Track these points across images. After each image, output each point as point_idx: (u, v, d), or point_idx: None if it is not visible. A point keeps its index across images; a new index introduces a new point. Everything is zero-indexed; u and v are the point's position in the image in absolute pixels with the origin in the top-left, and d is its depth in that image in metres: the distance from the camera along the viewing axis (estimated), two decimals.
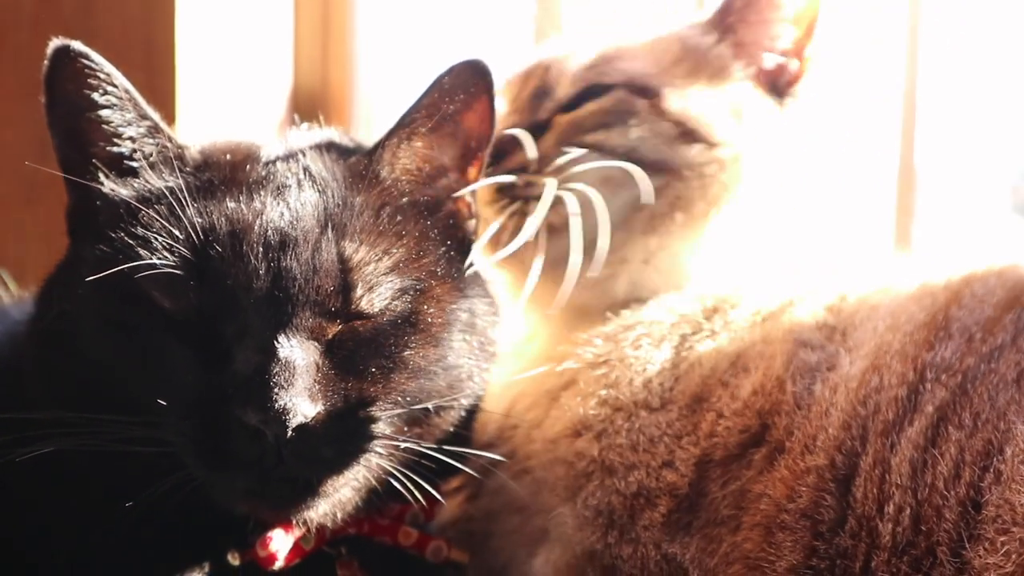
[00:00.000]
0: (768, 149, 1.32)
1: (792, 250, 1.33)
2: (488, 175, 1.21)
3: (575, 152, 1.24)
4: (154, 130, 1.07)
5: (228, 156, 1.08)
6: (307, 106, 1.70)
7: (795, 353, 1.11)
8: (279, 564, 1.04)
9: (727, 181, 1.28)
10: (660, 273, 1.28)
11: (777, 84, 1.35)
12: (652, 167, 1.25)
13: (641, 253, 1.28)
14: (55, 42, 1.04)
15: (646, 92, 1.30)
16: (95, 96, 1.04)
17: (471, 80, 1.09)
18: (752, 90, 1.34)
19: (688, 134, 1.29)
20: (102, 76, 1.04)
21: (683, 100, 1.30)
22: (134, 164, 1.06)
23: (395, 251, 1.05)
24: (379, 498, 1.07)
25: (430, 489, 1.05)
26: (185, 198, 1.01)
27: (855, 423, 1.02)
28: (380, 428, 1.01)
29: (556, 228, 1.21)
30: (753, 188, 1.30)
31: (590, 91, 1.32)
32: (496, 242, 1.22)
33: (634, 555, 1.08)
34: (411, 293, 1.05)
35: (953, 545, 0.91)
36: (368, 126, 1.92)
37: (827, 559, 0.97)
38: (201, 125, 1.50)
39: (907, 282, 1.18)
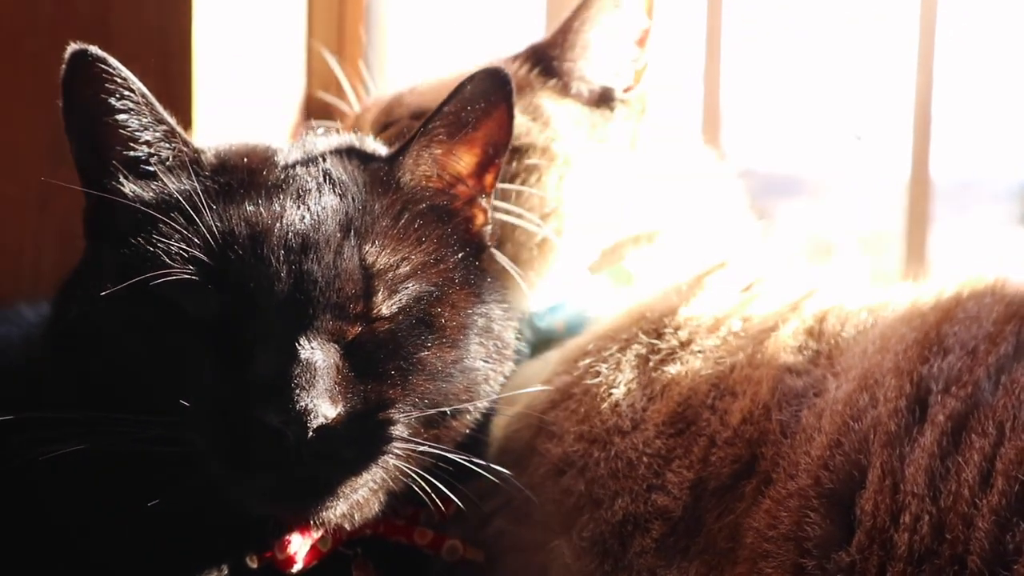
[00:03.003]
0: (592, 152, 1.35)
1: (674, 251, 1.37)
2: None
3: None
4: (170, 134, 1.07)
5: (245, 159, 1.09)
6: (319, 112, 1.71)
7: (780, 379, 1.11)
8: (298, 566, 1.05)
9: (538, 183, 1.31)
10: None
11: (605, 95, 1.40)
12: None
13: None
14: (73, 47, 1.04)
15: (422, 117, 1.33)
16: (112, 101, 1.04)
17: (492, 89, 1.10)
18: (556, 99, 1.37)
19: None
20: (119, 81, 1.04)
21: None
22: (151, 168, 1.06)
23: (415, 256, 1.06)
24: (396, 500, 1.07)
25: (446, 491, 1.05)
26: (203, 202, 1.01)
27: (847, 439, 1.01)
28: (399, 430, 1.01)
29: None
30: (586, 188, 1.34)
31: (382, 128, 1.39)
32: None
33: None
34: (430, 298, 1.06)
35: (987, 554, 0.89)
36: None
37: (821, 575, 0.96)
38: (217, 130, 1.51)
39: (895, 302, 1.18)
